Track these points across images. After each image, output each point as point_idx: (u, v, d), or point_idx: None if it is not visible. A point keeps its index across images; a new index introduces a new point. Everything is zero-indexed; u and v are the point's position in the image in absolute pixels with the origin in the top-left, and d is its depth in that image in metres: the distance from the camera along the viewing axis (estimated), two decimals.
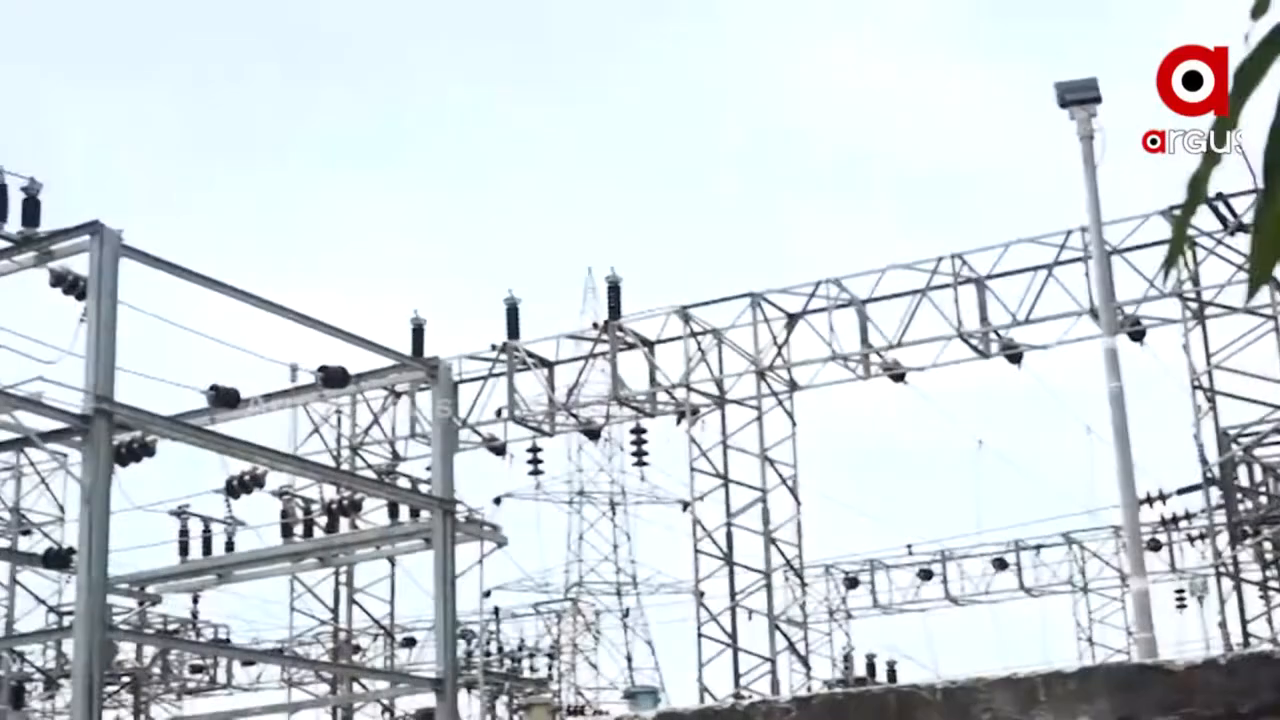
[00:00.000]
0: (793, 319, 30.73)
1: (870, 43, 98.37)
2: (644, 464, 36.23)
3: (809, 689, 30.22)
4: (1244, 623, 27.53)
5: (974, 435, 35.47)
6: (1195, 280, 27.64)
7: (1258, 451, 29.65)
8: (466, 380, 31.88)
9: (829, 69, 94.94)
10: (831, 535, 40.44)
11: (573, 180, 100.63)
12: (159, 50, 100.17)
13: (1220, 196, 26.17)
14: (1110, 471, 19.02)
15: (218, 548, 22.26)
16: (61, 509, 33.76)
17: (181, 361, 17.16)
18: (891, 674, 43.29)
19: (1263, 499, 30.17)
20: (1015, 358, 29.36)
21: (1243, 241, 26.44)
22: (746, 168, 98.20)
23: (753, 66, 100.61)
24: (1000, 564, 43.15)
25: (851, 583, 45.50)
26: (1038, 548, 43.37)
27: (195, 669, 43.30)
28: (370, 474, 31.11)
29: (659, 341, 31.50)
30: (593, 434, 35.79)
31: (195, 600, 38.02)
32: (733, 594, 30.22)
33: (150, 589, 21.90)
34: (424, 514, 19.49)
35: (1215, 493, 28.20)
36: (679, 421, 31.86)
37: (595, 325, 32.29)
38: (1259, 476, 30.69)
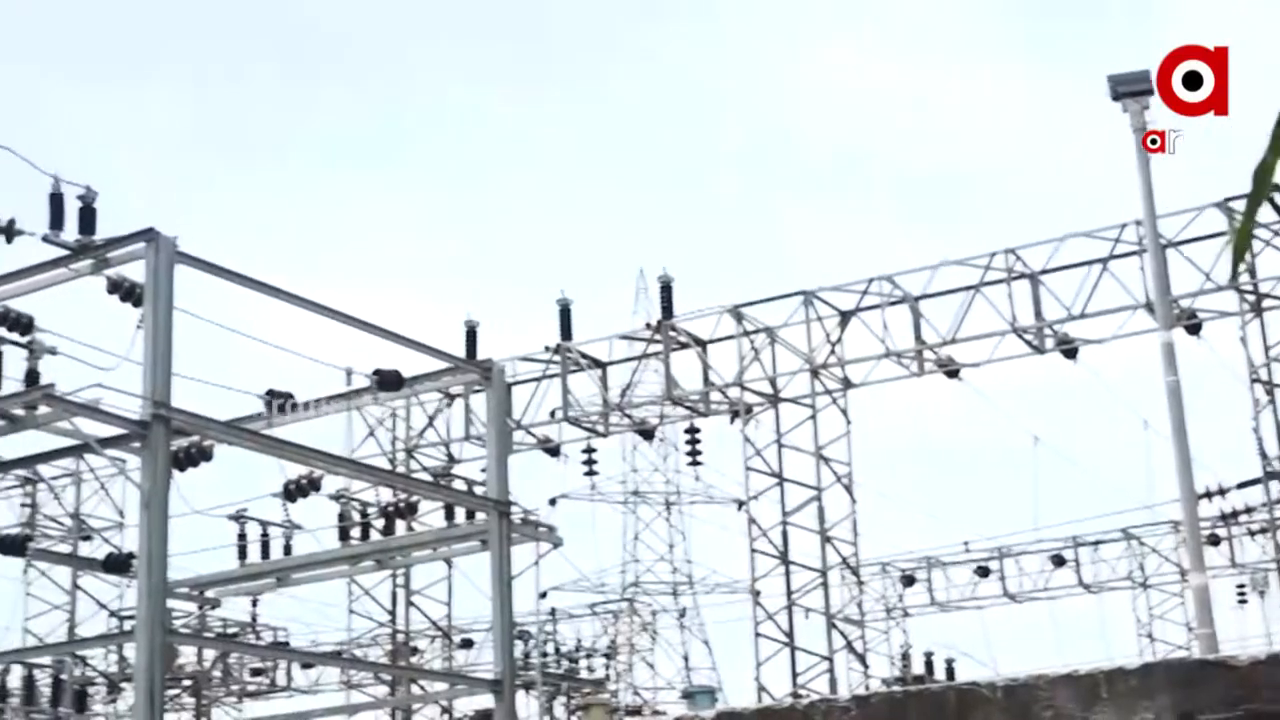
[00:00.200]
0: (846, 316, 30.64)
1: (870, 43, 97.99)
2: (698, 463, 36.27)
3: (867, 687, 30.12)
4: None
5: (1030, 431, 35.22)
6: (1252, 272, 27.38)
7: None
8: (520, 382, 31.97)
9: (828, 69, 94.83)
10: (888, 533, 40.26)
11: (572, 180, 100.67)
12: (159, 50, 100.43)
13: (1276, 188, 25.90)
14: (1168, 466, 18.93)
15: (276, 551, 22.31)
16: (121, 514, 34.14)
17: (236, 366, 17.25)
18: (950, 672, 43.09)
19: None
20: (1070, 353, 29.19)
21: None
22: (746, 168, 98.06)
23: (752, 67, 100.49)
24: (1058, 560, 42.90)
25: (908, 580, 45.35)
26: (1096, 544, 43.08)
27: (255, 672, 43.57)
28: (426, 476, 31.22)
29: (712, 341, 31.48)
30: (647, 434, 35.80)
31: (254, 603, 38.26)
32: (789, 593, 30.16)
33: (210, 593, 22.00)
34: (480, 516, 19.50)
35: (1276, 486, 27.94)
36: (733, 420, 31.84)
37: (648, 325, 32.29)
38: None
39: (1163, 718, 11.21)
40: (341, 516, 22.52)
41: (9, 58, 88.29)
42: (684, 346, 31.49)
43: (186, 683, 40.86)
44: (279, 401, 17.08)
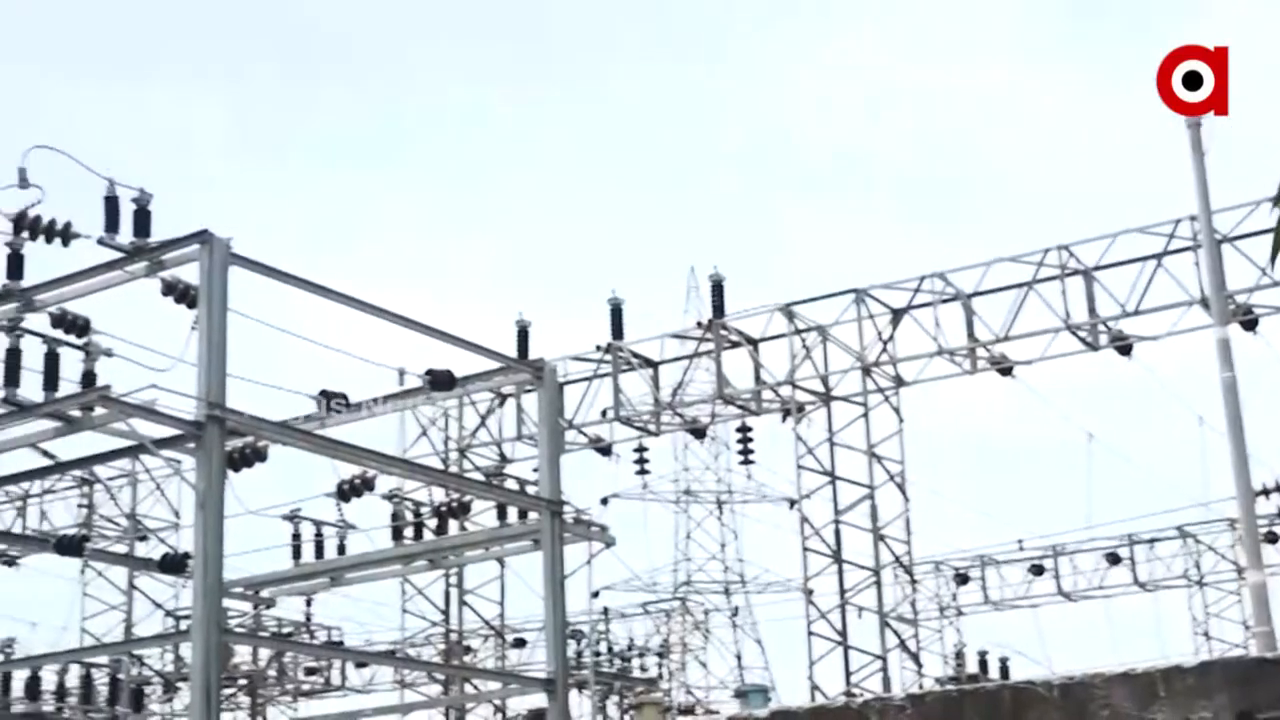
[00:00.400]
0: (897, 314, 30.56)
1: (870, 42, 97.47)
2: (750, 462, 36.26)
3: (920, 686, 30.02)
4: None
5: (1084, 428, 34.99)
6: None
7: None
8: (571, 381, 32.02)
9: (828, 69, 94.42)
10: (941, 531, 40.02)
11: (572, 180, 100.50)
12: (159, 50, 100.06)
13: None
14: (1224, 463, 18.77)
15: (330, 551, 22.35)
16: (176, 515, 34.34)
17: (289, 367, 17.30)
18: (1004, 671, 42.84)
19: None
20: (1125, 349, 29.01)
21: None
22: (745, 168, 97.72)
23: (752, 68, 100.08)
24: (1113, 559, 42.61)
25: (962, 579, 45.15)
26: (1151, 541, 42.78)
27: (310, 671, 43.76)
28: (478, 476, 31.29)
29: (763, 339, 31.44)
30: (698, 433, 35.81)
31: (309, 603, 38.38)
32: (842, 591, 30.10)
33: (265, 592, 22.09)
34: (532, 515, 19.52)
35: None
36: (784, 419, 31.80)
37: (699, 324, 32.29)
38: None
39: (1220, 716, 11.14)
40: (395, 516, 22.55)
41: (9, 58, 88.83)
42: (735, 345, 31.48)
43: (242, 682, 41.11)
44: (332, 402, 17.14)
